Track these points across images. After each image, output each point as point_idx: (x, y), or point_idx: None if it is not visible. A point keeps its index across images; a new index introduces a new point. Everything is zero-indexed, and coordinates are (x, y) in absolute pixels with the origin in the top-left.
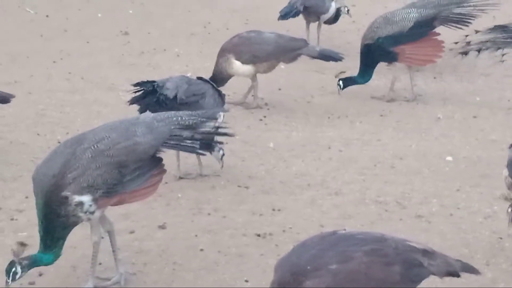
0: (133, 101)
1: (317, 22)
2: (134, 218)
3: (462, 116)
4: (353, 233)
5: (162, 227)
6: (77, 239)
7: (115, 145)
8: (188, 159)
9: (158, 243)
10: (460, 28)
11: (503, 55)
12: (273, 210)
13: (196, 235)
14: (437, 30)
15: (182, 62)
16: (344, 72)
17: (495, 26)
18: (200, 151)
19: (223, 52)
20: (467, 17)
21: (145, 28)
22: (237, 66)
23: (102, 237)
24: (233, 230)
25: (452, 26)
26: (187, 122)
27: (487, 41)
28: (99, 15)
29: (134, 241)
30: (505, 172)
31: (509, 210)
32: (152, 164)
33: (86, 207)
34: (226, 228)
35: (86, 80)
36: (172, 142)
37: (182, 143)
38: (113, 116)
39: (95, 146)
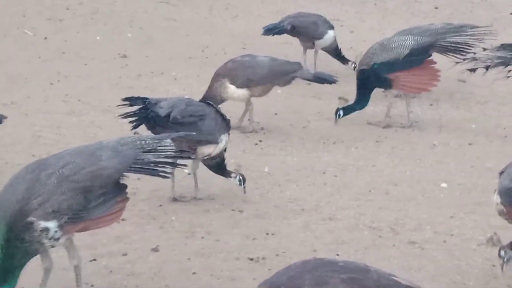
0: (125, 116)
1: (314, 49)
2: (127, 241)
3: (457, 143)
4: (337, 260)
5: (155, 249)
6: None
7: (80, 170)
8: (183, 182)
9: (151, 266)
10: (457, 57)
11: (509, 71)
12: (267, 234)
13: (189, 258)
14: (434, 58)
15: (180, 86)
16: (347, 100)
17: (502, 44)
18: (163, 174)
19: (218, 76)
20: (463, 46)
21: (143, 51)
22: (232, 90)
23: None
24: (226, 254)
25: (449, 55)
26: (151, 146)
27: (495, 58)
28: (98, 37)
29: (127, 263)
30: (497, 199)
31: (502, 253)
32: (117, 190)
33: (51, 233)
34: (219, 252)
35: (83, 102)
36: (137, 166)
37: (147, 167)
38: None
39: (60, 171)
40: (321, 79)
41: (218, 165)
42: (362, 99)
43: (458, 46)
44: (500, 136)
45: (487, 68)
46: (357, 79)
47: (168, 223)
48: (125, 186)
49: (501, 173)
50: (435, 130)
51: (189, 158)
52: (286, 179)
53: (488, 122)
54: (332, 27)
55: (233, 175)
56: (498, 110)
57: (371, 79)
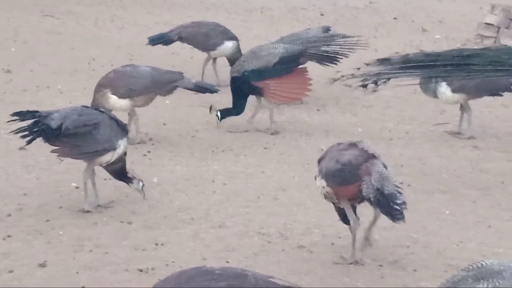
0: (17, 132)
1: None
2: (13, 257)
3: None
4: (214, 268)
5: (42, 265)
6: None
7: None
8: (70, 195)
9: (38, 282)
10: (329, 66)
11: (379, 84)
12: (156, 244)
13: (77, 272)
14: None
15: (66, 99)
16: (211, 106)
17: (378, 59)
18: None
19: (99, 87)
20: (334, 55)
21: (28, 65)
22: (113, 100)
23: None
24: (115, 266)
25: (320, 63)
26: None
27: (379, 73)
28: None
29: (13, 280)
30: (323, 183)
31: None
32: None
33: None
34: (107, 264)
35: None
36: None
37: None
38: None
39: None
40: (203, 88)
41: (120, 170)
42: (237, 105)
43: (329, 55)
44: (385, 139)
45: (375, 83)
46: (230, 86)
47: (55, 238)
48: None
49: (320, 160)
50: (322, 134)
51: None
52: (175, 188)
53: (373, 125)
54: (232, 38)
55: (135, 181)
56: (383, 114)
57: (242, 86)
